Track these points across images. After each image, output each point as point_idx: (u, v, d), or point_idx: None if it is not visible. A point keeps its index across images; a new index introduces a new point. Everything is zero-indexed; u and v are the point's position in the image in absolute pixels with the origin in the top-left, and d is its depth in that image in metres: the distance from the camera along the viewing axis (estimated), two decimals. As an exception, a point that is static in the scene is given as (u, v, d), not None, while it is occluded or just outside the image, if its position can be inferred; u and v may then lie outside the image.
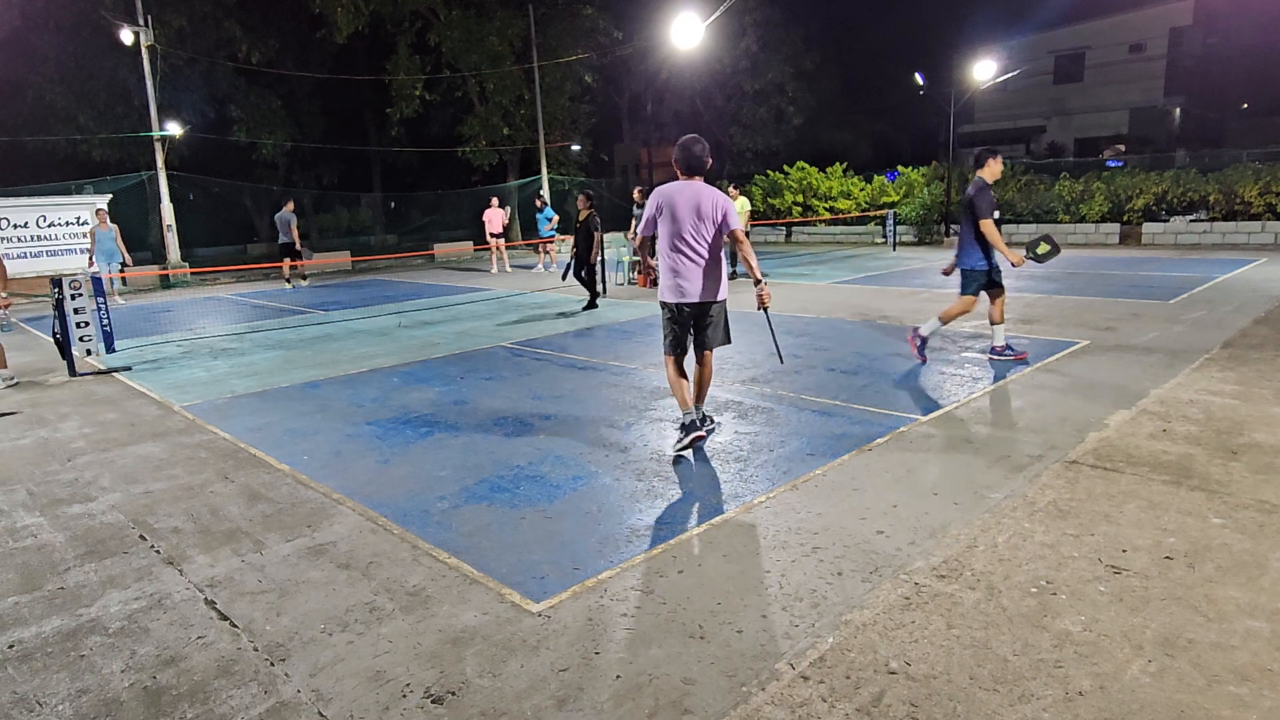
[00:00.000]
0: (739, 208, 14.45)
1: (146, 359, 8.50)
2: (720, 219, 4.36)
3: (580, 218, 10.49)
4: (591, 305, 10.95)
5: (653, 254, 4.64)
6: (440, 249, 22.59)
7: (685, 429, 4.46)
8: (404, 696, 2.42)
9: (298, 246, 16.51)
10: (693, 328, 4.54)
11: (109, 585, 3.24)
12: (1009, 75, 26.08)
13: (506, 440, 4.98)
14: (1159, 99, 30.60)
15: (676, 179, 4.52)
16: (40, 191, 17.08)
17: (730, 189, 14.92)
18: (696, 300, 4.41)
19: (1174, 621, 2.64)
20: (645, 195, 14.94)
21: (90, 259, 13.84)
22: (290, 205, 16.45)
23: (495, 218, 17.92)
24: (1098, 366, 6.30)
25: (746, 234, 15.51)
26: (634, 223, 14.75)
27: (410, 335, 9.36)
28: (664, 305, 4.54)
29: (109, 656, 2.72)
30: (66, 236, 15.82)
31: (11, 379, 7.32)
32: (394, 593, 3.07)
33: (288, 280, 16.71)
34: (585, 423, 5.30)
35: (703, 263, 4.38)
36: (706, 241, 4.36)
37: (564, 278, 11.65)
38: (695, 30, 15.49)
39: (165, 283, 17.65)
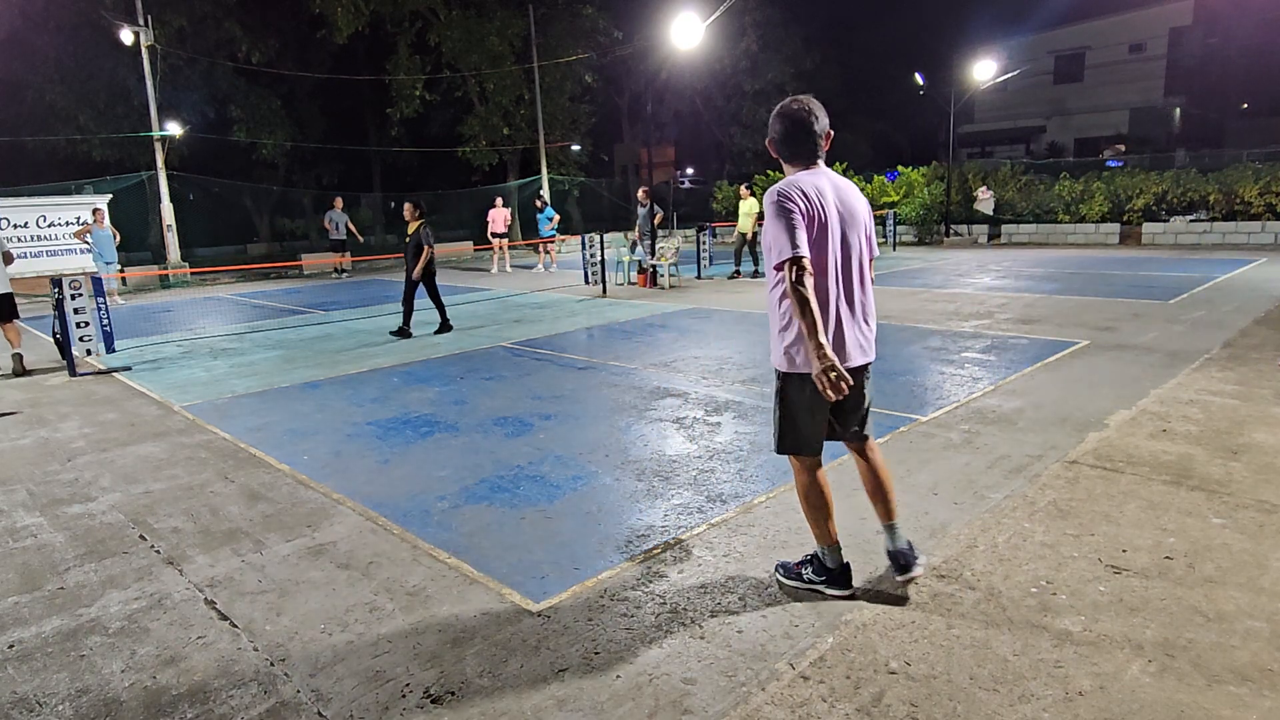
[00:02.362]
0: (747, 209, 14.15)
1: (146, 359, 8.51)
2: (871, 229, 2.83)
3: (410, 230, 9.08)
4: (403, 334, 9.27)
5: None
6: (440, 249, 22.58)
7: (843, 574, 2.86)
8: (404, 696, 2.42)
9: (339, 239, 18.39)
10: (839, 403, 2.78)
11: (109, 585, 3.25)
12: (1009, 75, 26.10)
13: (506, 440, 4.98)
14: (1159, 99, 30.62)
15: (793, 168, 2.75)
16: (40, 191, 17.07)
17: (742, 189, 14.68)
18: (863, 362, 2.80)
19: (1174, 621, 2.64)
20: (650, 195, 14.84)
21: (90, 252, 14.00)
22: (339, 203, 18.22)
23: (499, 217, 17.99)
24: (1098, 366, 6.29)
25: (756, 236, 14.91)
26: (638, 222, 14.58)
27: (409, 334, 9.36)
28: (801, 379, 2.69)
29: (109, 656, 2.72)
30: (66, 236, 15.82)
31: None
32: (394, 593, 3.07)
33: (341, 272, 18.92)
34: (585, 422, 5.30)
35: (863, 301, 2.78)
36: (864, 265, 2.78)
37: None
38: (695, 30, 15.48)
39: (165, 283, 17.67)
